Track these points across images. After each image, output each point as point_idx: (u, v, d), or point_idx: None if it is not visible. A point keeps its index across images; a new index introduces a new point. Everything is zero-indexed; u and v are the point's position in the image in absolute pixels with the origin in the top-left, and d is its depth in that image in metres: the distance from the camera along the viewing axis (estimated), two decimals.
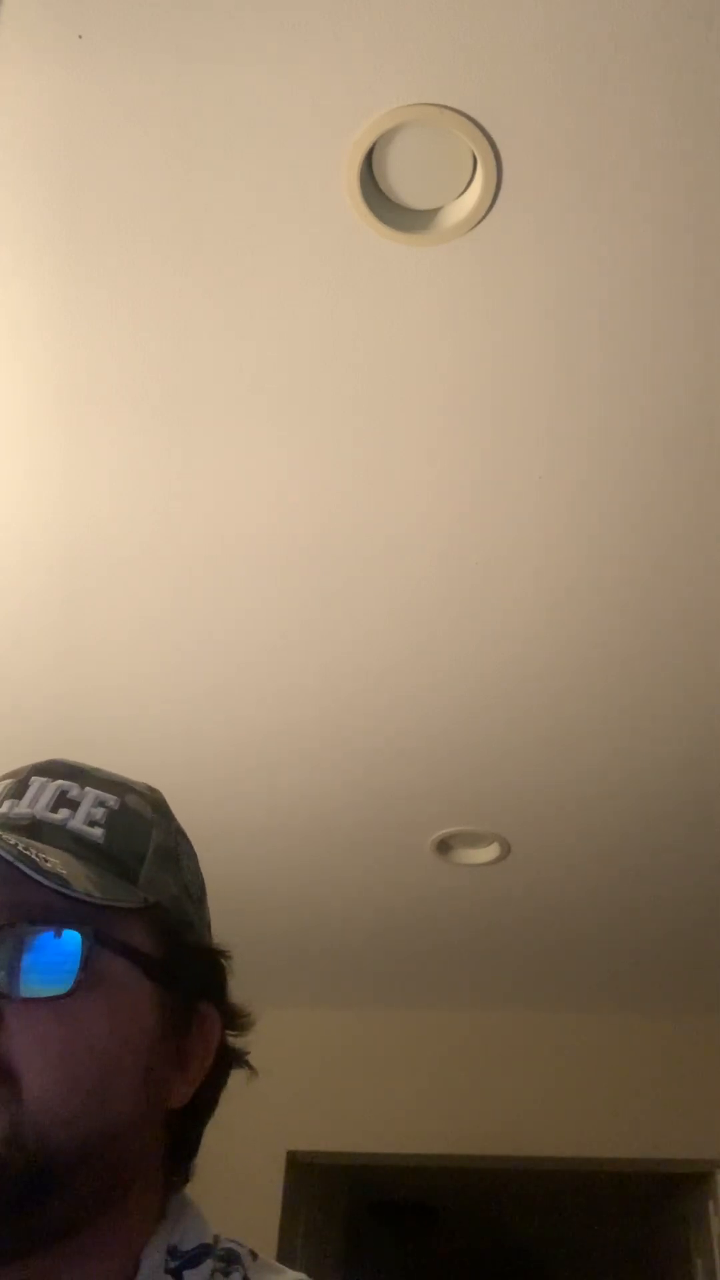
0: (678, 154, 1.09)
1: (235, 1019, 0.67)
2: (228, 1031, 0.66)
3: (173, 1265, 0.58)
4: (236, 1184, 2.64)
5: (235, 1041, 0.67)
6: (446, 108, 1.05)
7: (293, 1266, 0.63)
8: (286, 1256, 2.81)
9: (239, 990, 0.68)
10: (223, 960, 0.67)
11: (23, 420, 1.40)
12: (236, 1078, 0.68)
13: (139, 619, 1.71)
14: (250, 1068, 0.68)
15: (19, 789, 0.64)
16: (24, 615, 1.71)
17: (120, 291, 1.24)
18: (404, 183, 1.13)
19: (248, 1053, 0.68)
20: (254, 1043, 0.68)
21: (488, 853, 2.32)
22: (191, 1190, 0.65)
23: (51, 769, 0.66)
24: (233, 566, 1.61)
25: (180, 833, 0.70)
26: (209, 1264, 0.59)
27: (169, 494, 1.49)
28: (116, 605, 1.69)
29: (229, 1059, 0.66)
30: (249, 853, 2.34)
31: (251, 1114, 2.71)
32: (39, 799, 0.63)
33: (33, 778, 0.65)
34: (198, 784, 2.10)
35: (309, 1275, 0.62)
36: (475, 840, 2.30)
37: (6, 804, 0.63)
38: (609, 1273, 5.10)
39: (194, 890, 0.68)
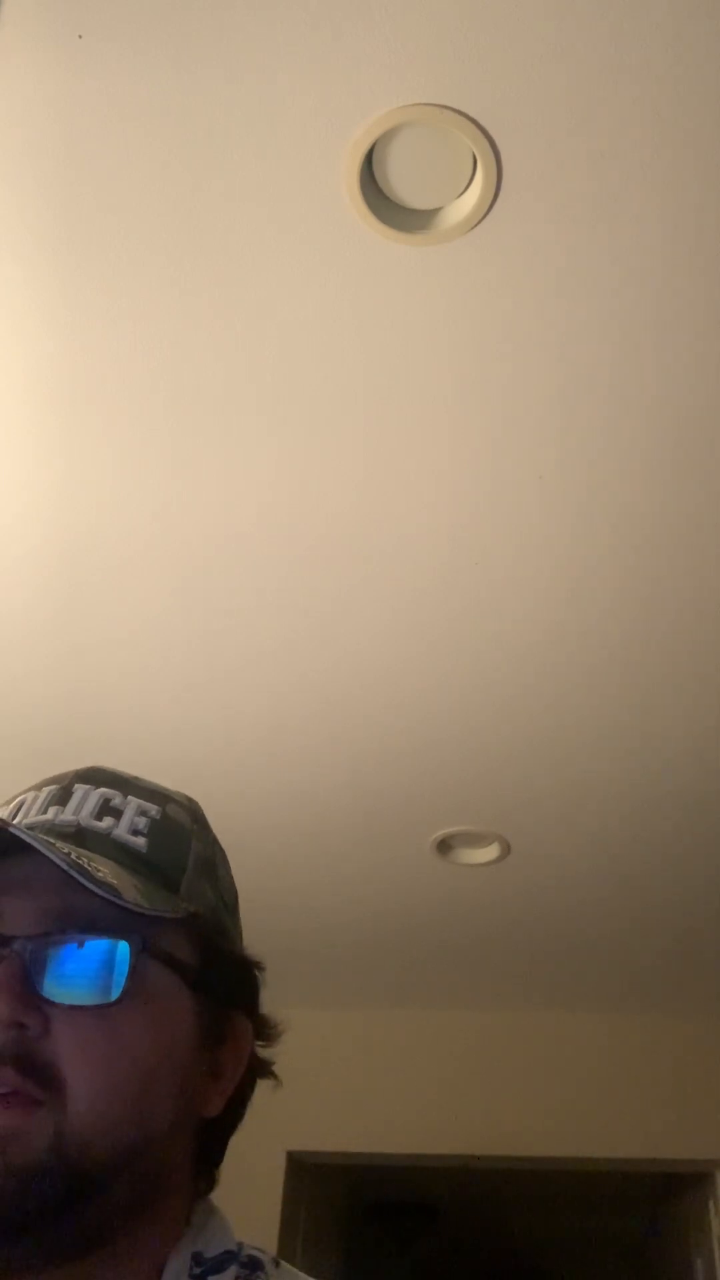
0: (679, 153, 1.09)
1: (265, 1029, 0.68)
2: (257, 1042, 0.67)
3: (197, 1271, 0.58)
4: (236, 1184, 2.62)
5: (262, 1051, 0.68)
6: (446, 108, 1.05)
7: (292, 1266, 0.63)
8: (286, 1256, 2.80)
9: None
10: (256, 970, 0.68)
11: (22, 420, 1.40)
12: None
13: (138, 618, 1.71)
14: (275, 1077, 0.68)
15: (63, 795, 0.65)
16: (23, 614, 1.71)
17: (119, 291, 1.24)
18: (404, 183, 1.13)
19: (273, 1063, 0.69)
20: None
21: (488, 853, 2.32)
22: None
23: (95, 776, 0.67)
24: (232, 566, 1.61)
25: (216, 843, 0.71)
26: (232, 1270, 0.59)
27: (168, 494, 1.49)
28: (116, 605, 1.69)
29: (256, 1069, 0.67)
30: (248, 852, 2.34)
31: (252, 1114, 2.68)
32: (83, 806, 0.64)
33: (76, 785, 0.66)
34: (197, 783, 2.08)
35: (311, 1276, 0.62)
36: (475, 840, 2.30)
37: (52, 810, 0.64)
38: (609, 1273, 5.10)
39: (229, 899, 0.69)
